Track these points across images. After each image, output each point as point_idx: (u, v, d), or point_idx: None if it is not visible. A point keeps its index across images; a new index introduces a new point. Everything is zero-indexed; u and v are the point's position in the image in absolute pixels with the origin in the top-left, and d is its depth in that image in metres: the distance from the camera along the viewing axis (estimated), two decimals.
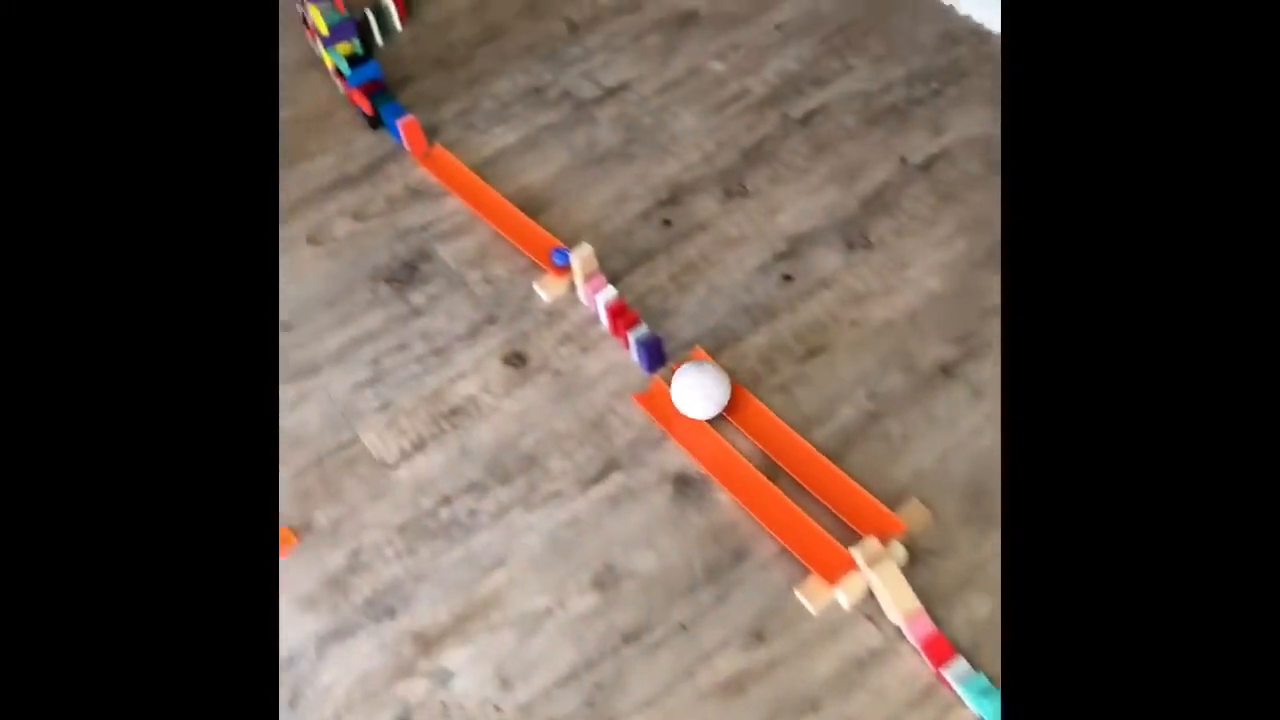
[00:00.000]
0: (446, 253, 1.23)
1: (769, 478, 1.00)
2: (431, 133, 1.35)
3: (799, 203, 1.22)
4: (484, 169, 1.31)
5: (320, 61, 1.45)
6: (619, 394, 1.09)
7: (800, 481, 1.00)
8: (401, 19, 1.48)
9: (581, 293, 1.16)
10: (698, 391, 1.04)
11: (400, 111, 1.33)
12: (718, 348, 1.11)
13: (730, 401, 1.05)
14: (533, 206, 1.26)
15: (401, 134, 1.32)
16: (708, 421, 1.05)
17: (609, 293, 1.15)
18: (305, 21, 1.43)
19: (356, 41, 1.36)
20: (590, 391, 1.10)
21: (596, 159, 1.31)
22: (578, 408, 1.09)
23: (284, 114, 1.40)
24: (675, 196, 1.25)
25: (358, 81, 1.35)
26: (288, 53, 1.47)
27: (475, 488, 1.04)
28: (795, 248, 1.18)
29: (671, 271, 1.19)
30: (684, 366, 1.05)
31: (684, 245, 1.21)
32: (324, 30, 1.33)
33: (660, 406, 1.07)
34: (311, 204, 1.30)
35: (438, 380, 1.13)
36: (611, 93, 1.37)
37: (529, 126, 1.35)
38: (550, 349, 1.14)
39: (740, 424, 1.05)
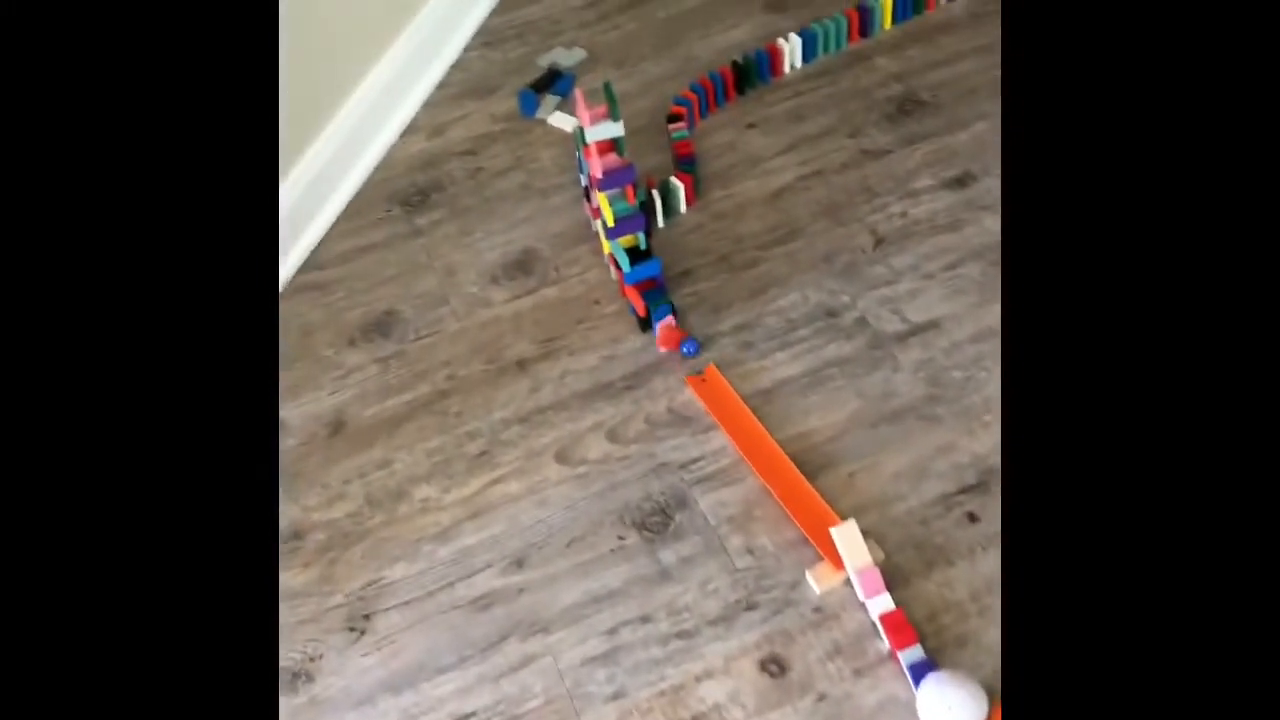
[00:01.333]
0: (706, 503, 1.08)
1: None
2: (704, 344, 1.21)
3: None
4: (759, 402, 1.15)
5: (594, 236, 1.34)
6: None
7: None
8: (689, 200, 1.35)
9: (857, 587, 0.99)
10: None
11: (668, 312, 1.20)
12: None
13: None
14: (811, 462, 1.10)
15: (658, 335, 1.19)
16: None
17: (884, 602, 0.97)
18: (587, 195, 1.32)
19: (641, 236, 1.24)
20: None
21: (892, 414, 1.13)
22: None
23: (550, 292, 1.29)
24: (985, 484, 1.06)
25: (635, 279, 1.22)
26: (560, 220, 1.37)
27: None
28: None
29: (972, 587, 0.99)
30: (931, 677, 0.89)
31: (991, 552, 1.01)
32: (610, 221, 1.21)
33: None
34: (567, 411, 1.17)
35: (680, 674, 0.97)
36: (917, 331, 1.20)
37: (816, 358, 1.19)
38: (817, 661, 0.96)
39: None
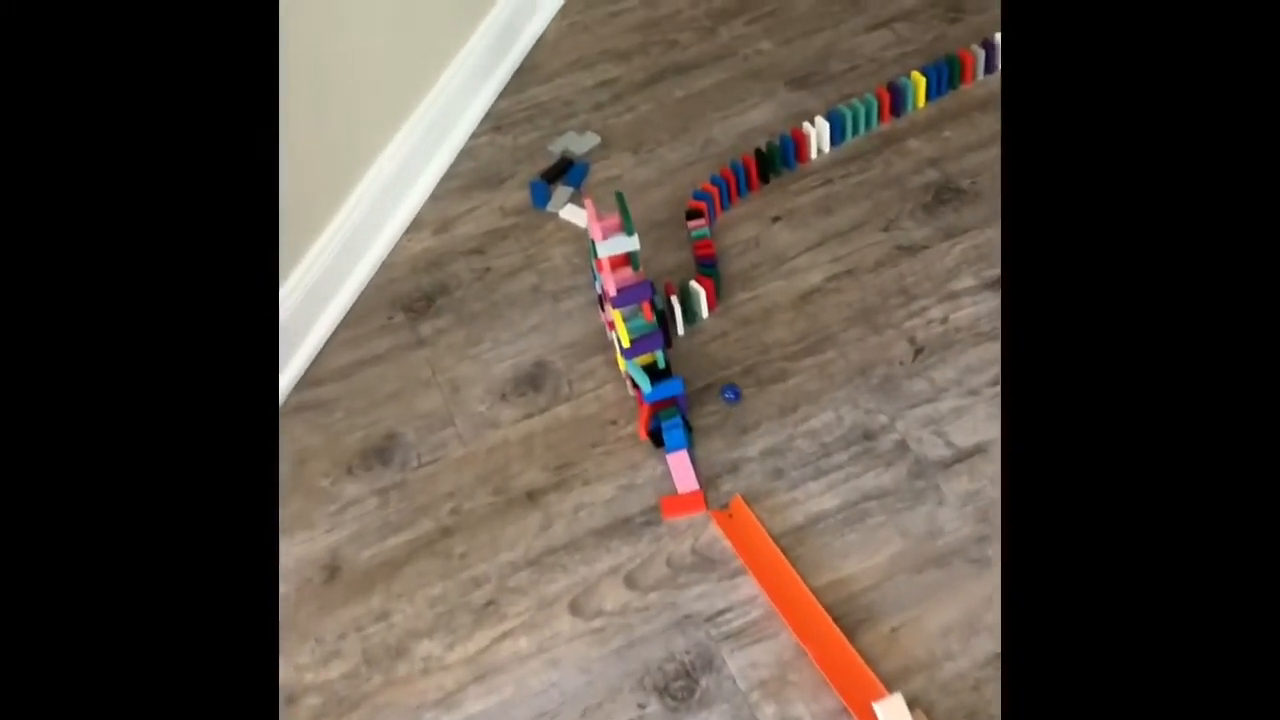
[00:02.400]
0: (736, 664, 0.98)
1: None
2: (730, 470, 1.11)
3: None
4: (792, 542, 1.05)
5: (609, 346, 1.25)
6: None
7: None
8: (710, 305, 1.26)
9: None
10: None
11: (686, 441, 1.11)
12: None
13: None
14: (850, 615, 0.99)
15: (672, 472, 1.10)
16: None
17: None
18: (601, 303, 1.23)
19: (660, 354, 1.14)
20: None
21: (938, 556, 1.03)
22: None
23: (563, 411, 1.20)
24: None
25: (655, 400, 1.13)
26: (573, 327, 1.28)
27: None
28: None
29: None
30: None
31: None
32: (626, 341, 1.12)
33: None
34: (580, 552, 1.08)
35: None
36: (963, 457, 1.09)
37: (853, 488, 1.09)
38: None
39: None
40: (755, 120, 1.49)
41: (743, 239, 1.34)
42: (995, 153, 1.37)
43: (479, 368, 1.26)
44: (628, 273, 1.12)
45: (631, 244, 1.10)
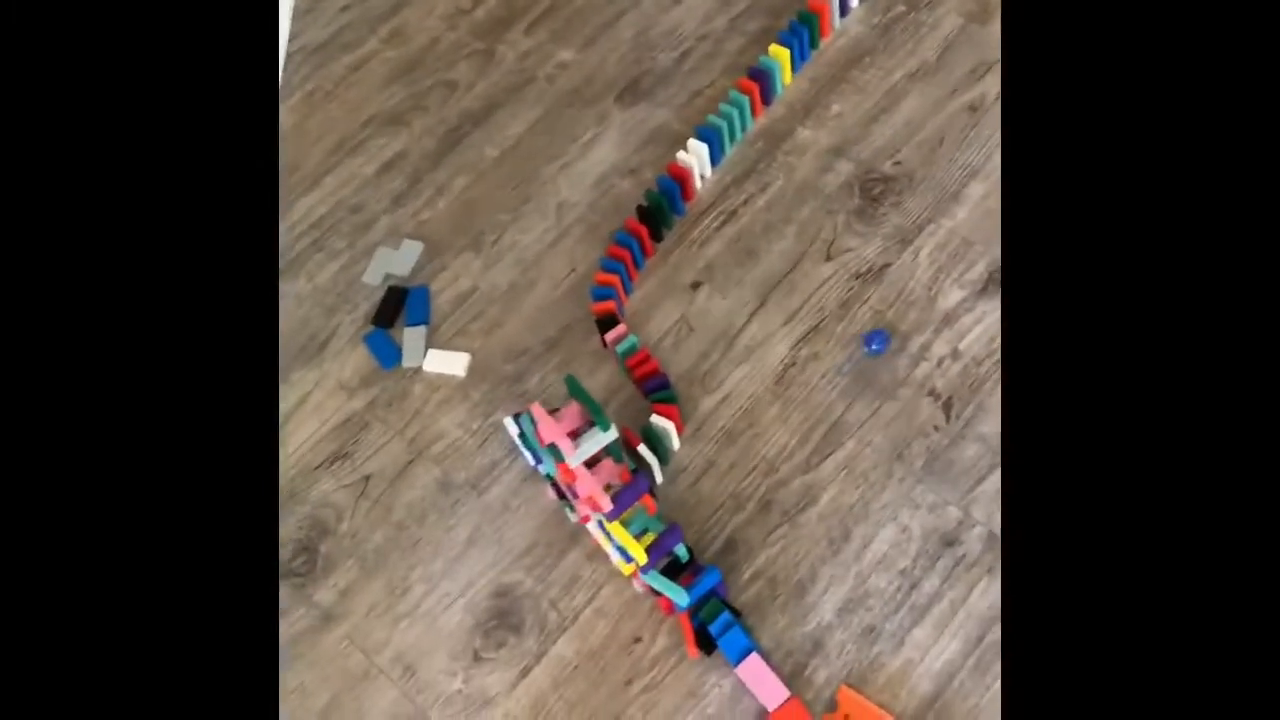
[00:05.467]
0: None
1: None
2: (813, 650, 0.86)
3: None
4: (935, 718, 0.83)
5: (578, 531, 0.95)
6: None
7: None
8: (678, 430, 0.98)
9: None
10: None
11: (749, 639, 0.85)
12: None
13: None
14: None
15: (749, 686, 0.84)
16: None
17: None
18: (555, 486, 0.93)
19: (681, 546, 0.86)
20: None
21: None
22: None
23: (565, 650, 0.90)
24: None
25: (695, 602, 0.85)
26: (521, 524, 0.96)
27: None
28: None
29: None
30: None
31: None
32: (641, 555, 0.83)
33: None
34: None
35: None
36: None
37: (970, 619, 0.86)
38: None
39: None
40: (603, 158, 1.18)
41: (668, 325, 1.06)
42: (902, 116, 1.14)
43: (424, 627, 0.93)
44: (608, 469, 0.83)
45: (609, 437, 0.80)
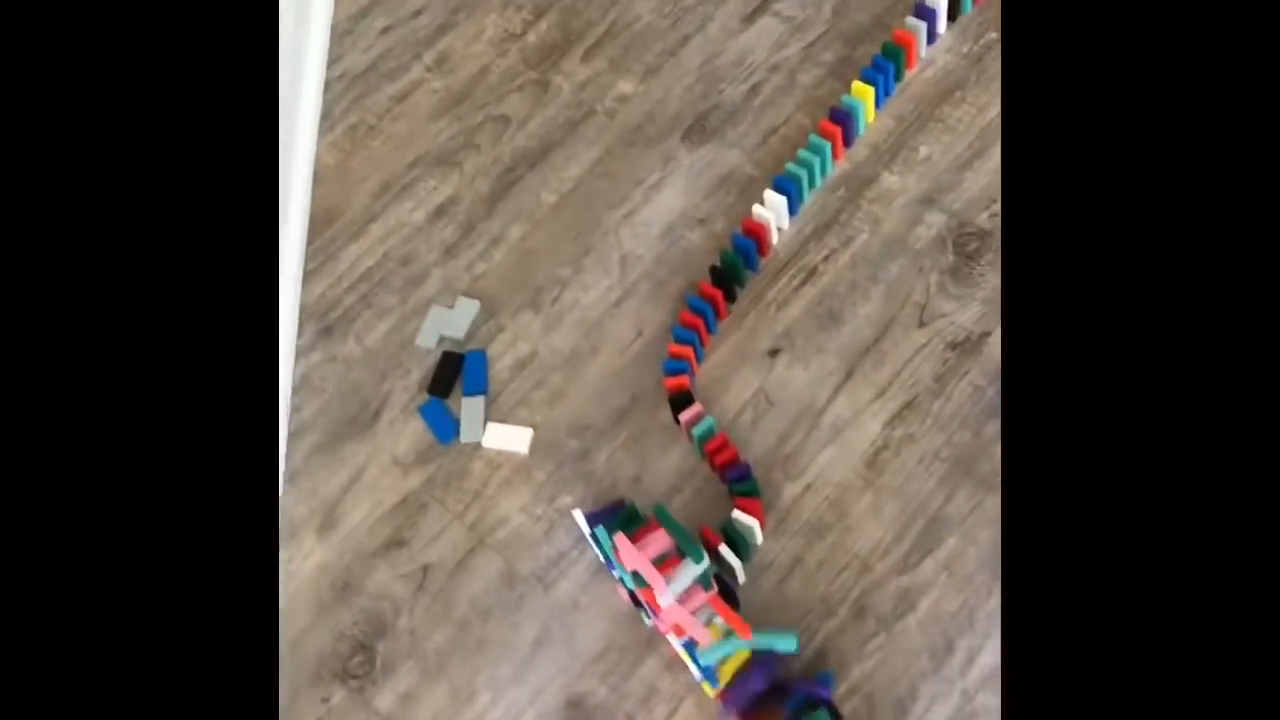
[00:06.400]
0: None
1: None
2: None
3: None
4: None
5: (654, 636, 0.88)
6: None
7: None
8: (761, 525, 0.91)
9: None
10: None
11: None
12: None
13: None
14: None
15: None
16: None
17: None
18: (631, 593, 0.86)
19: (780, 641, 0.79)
20: None
21: None
22: None
23: None
24: None
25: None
26: (592, 625, 0.89)
27: None
28: None
29: None
30: None
31: None
32: (727, 683, 0.76)
33: None
34: None
35: None
36: None
37: None
38: None
39: None
40: (669, 205, 1.09)
41: (745, 398, 0.98)
42: (999, 160, 1.05)
43: None
44: (698, 598, 0.76)
45: (700, 568, 0.73)
